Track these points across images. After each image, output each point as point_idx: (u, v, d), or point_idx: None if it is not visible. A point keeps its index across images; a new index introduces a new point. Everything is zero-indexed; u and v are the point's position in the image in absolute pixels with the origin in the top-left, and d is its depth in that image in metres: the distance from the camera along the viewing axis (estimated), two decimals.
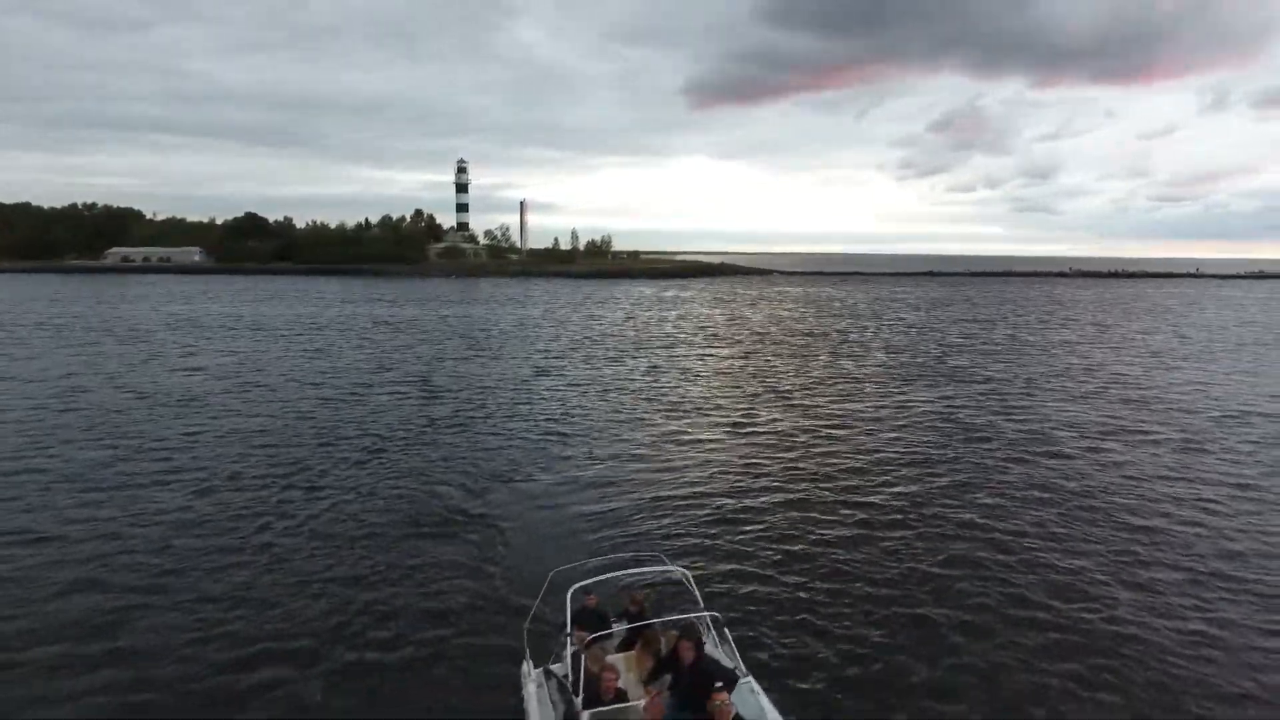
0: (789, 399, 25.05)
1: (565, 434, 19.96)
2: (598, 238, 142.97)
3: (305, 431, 19.61)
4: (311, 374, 28.28)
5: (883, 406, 23.89)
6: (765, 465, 17.28)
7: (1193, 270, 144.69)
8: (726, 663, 6.79)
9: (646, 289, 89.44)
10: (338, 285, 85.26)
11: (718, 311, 60.77)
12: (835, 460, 17.74)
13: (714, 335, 43.63)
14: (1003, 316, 58.04)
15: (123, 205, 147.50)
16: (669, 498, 14.89)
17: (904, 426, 21.18)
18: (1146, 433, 20.57)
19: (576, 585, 7.43)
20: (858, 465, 17.35)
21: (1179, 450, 18.76)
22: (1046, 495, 15.25)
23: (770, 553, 12.23)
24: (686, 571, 8.15)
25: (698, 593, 7.74)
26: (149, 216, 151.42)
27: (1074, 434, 20.38)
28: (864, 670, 8.86)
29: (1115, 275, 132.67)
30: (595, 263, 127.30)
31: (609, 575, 8.37)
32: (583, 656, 6.55)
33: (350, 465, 16.71)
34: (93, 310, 52.58)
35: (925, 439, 19.78)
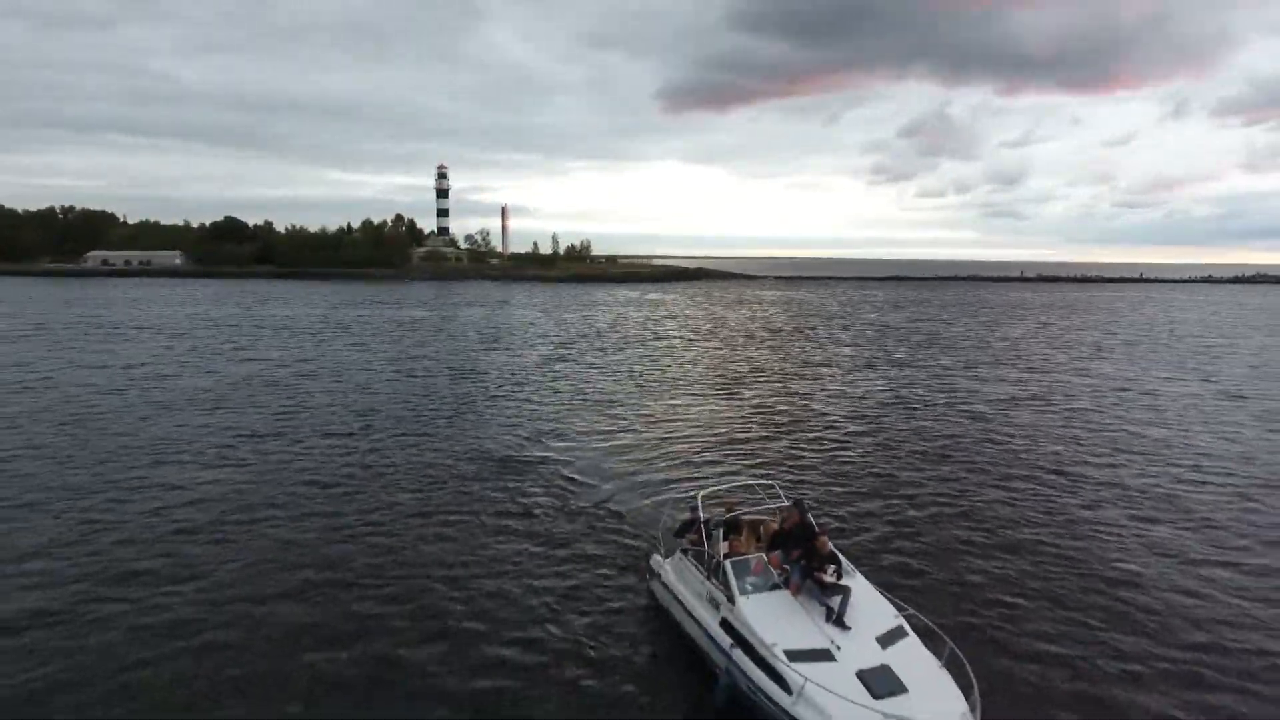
0: (771, 380, 29.60)
1: (596, 401, 24.37)
2: (576, 242, 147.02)
3: (377, 405, 23.80)
4: (360, 362, 32.34)
5: (847, 383, 28.64)
6: (760, 423, 21.92)
7: (1137, 275, 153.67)
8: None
9: (628, 293, 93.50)
10: (327, 289, 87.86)
11: (700, 312, 65.24)
12: (812, 420, 22.36)
13: (700, 332, 48.18)
14: (957, 317, 63.55)
15: (83, 207, 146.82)
16: (692, 443, 19.40)
17: (863, 397, 25.92)
18: (1045, 401, 25.65)
19: (705, 490, 11.02)
20: (827, 420, 22.08)
21: (1064, 412, 23.90)
22: (960, 440, 20.17)
23: (779, 475, 16.63)
24: (775, 481, 11.87)
25: (780, 491, 11.26)
26: (120, 219, 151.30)
27: (990, 404, 25.47)
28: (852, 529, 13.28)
29: (1073, 280, 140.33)
30: (575, 267, 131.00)
31: (724, 486, 11.63)
32: (714, 533, 9.47)
33: (425, 427, 20.87)
34: (118, 313, 55.24)
35: (879, 404, 24.64)
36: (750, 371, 31.54)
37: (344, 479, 15.86)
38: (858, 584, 8.79)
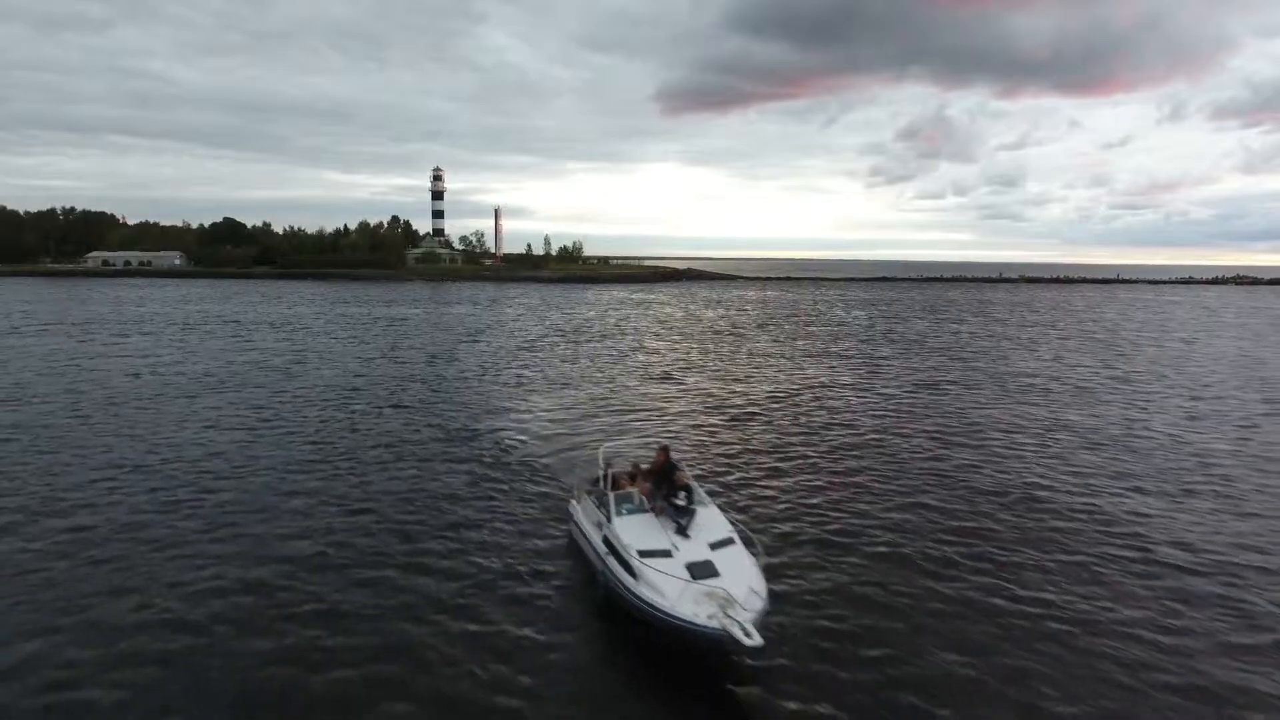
0: (714, 367, 33.15)
1: (552, 384, 27.89)
2: (569, 243, 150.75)
3: (361, 385, 27.40)
4: (350, 351, 35.97)
5: (782, 370, 32.25)
6: (688, 401, 25.53)
7: (1115, 276, 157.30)
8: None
9: (616, 293, 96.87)
10: (325, 289, 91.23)
11: (677, 311, 68.71)
12: (733, 398, 25.90)
13: (669, 327, 51.71)
14: (920, 315, 67.13)
15: (83, 208, 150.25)
16: (625, 417, 22.93)
17: (789, 381, 29.52)
18: (954, 384, 29.29)
19: (606, 444, 14.41)
20: (747, 398, 25.65)
21: (962, 393, 27.45)
22: (857, 413, 23.67)
23: (687, 443, 20.11)
24: (663, 437, 15.39)
25: (666, 443, 14.66)
26: (121, 220, 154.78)
27: (901, 387, 29.10)
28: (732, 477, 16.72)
29: (1052, 280, 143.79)
30: (567, 268, 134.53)
31: (623, 441, 15.06)
32: (609, 475, 12.01)
33: (400, 401, 24.41)
34: (125, 310, 58.71)
35: (799, 386, 28.27)
36: (699, 360, 35.07)
37: (326, 438, 19.40)
38: (708, 508, 11.58)
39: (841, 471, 17.33)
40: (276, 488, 15.40)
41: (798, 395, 26.61)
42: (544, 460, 17.90)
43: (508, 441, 19.48)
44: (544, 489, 15.93)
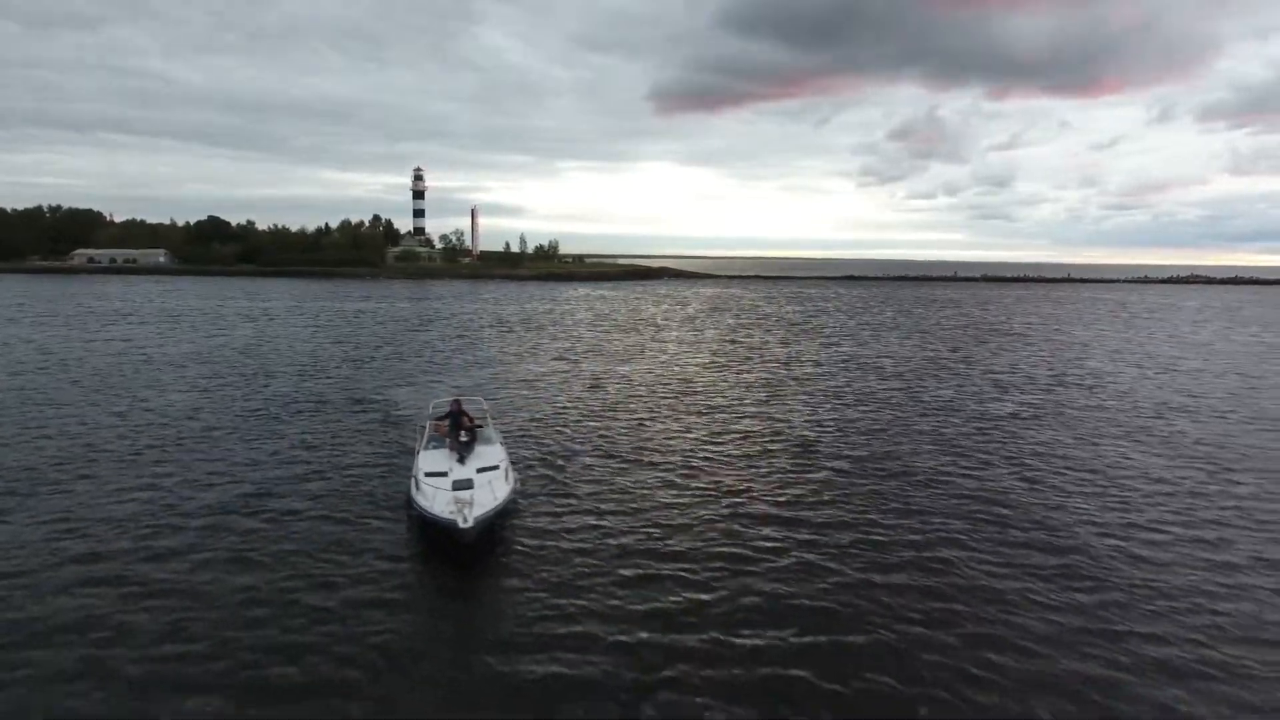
0: (612, 353, 38.58)
1: (463, 363, 33.40)
2: (545, 242, 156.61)
3: (305, 362, 32.68)
4: (307, 336, 41.21)
5: (671, 356, 37.76)
6: (564, 378, 30.86)
7: (1065, 275, 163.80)
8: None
9: (580, 290, 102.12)
10: (305, 287, 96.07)
11: (624, 306, 74.13)
12: (609, 374, 31.35)
13: (604, 320, 57.19)
14: (845, 308, 72.86)
15: (74, 206, 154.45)
16: (501, 387, 28.18)
17: (666, 360, 34.92)
18: (812, 364, 34.80)
19: (435, 400, 19.96)
20: (621, 375, 31.09)
21: (807, 373, 33.00)
22: (755, 399, 29.08)
23: (561, 419, 25.55)
24: (480, 398, 20.91)
25: (481, 399, 20.37)
26: (107, 218, 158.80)
27: (766, 363, 34.50)
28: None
29: (1013, 280, 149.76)
30: (541, 266, 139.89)
31: (446, 398, 20.70)
32: (429, 424, 17.85)
33: (332, 373, 29.70)
34: (111, 304, 63.72)
35: (670, 365, 33.67)
36: (605, 346, 40.55)
37: (264, 399, 24.80)
38: (492, 445, 15.33)
39: (647, 419, 22.86)
40: (207, 424, 20.89)
41: (664, 370, 32.13)
42: (420, 420, 23.25)
43: (400, 405, 24.89)
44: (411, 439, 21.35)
